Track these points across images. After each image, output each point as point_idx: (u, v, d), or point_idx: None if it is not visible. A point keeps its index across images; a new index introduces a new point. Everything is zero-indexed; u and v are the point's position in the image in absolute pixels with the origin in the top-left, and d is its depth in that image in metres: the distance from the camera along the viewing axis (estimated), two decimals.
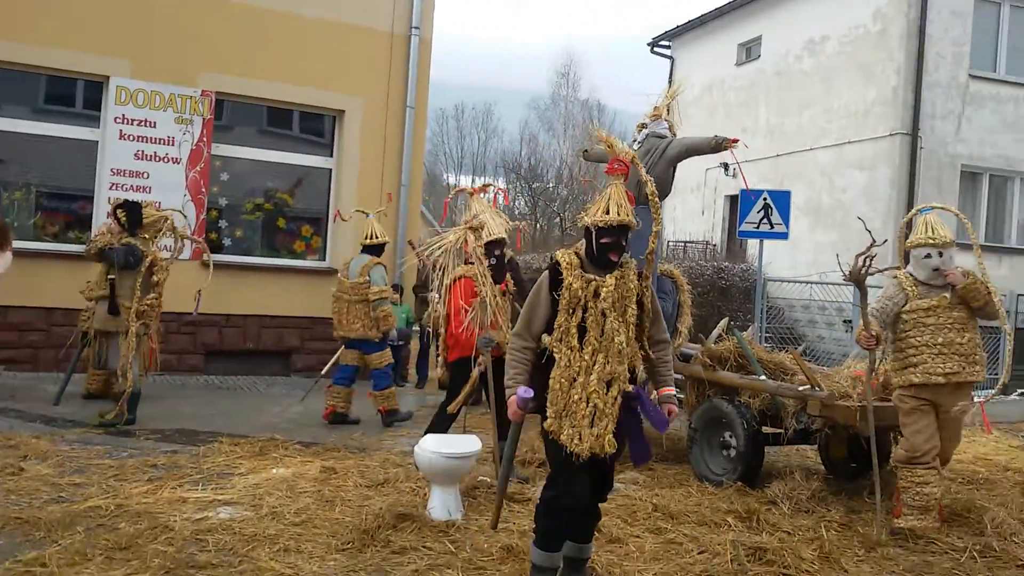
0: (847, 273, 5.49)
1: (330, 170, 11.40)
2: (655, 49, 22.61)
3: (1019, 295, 14.70)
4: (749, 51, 19.82)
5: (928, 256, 5.57)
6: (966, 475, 7.22)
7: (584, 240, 4.09)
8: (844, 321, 14.86)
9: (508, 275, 6.90)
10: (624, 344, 3.97)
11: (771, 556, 4.73)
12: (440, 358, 6.67)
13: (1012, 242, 16.49)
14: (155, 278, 7.73)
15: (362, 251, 8.45)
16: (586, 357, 3.94)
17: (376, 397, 8.30)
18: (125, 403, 7.42)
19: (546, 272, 4.10)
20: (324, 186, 11.43)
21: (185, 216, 9.75)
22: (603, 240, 3.97)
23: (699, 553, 4.84)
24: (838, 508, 5.93)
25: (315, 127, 11.52)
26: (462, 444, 5.44)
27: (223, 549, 4.53)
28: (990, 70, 16.01)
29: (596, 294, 3.95)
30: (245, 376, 10.57)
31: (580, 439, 3.90)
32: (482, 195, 6.91)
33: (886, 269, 5.76)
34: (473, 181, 50.16)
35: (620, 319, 3.97)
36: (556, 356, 3.97)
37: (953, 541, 5.27)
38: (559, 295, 3.98)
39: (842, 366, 7.23)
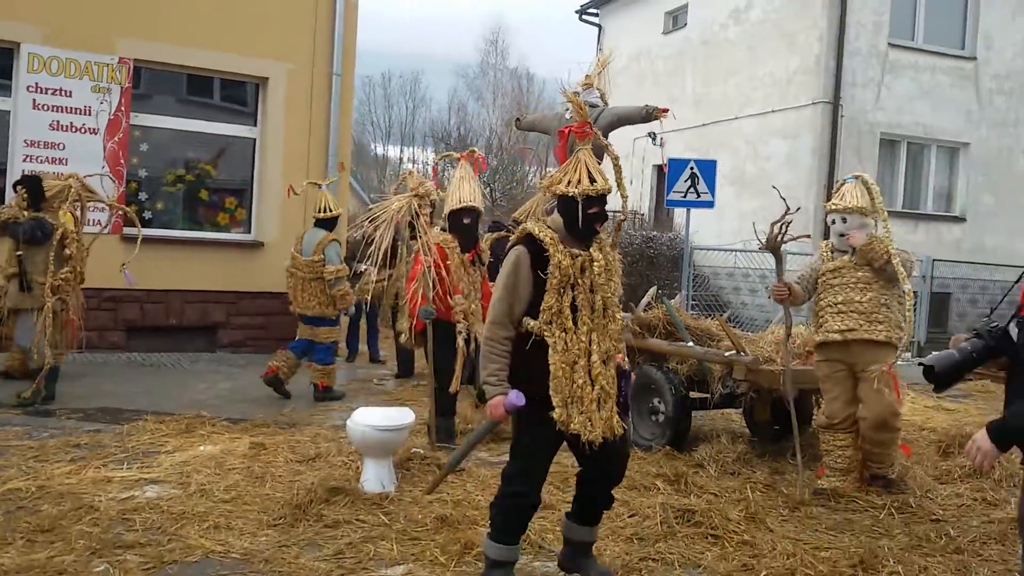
0: (763, 242, 5.61)
1: (254, 140, 11.13)
2: (583, 17, 22.61)
3: (935, 260, 15.21)
4: (676, 19, 19.94)
5: (834, 222, 5.73)
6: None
7: (558, 211, 3.88)
8: (767, 288, 15.19)
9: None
10: (620, 320, 3.88)
11: (699, 518, 4.85)
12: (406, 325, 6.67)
13: (928, 208, 17.01)
14: (67, 251, 7.44)
15: (315, 224, 8.26)
16: (583, 338, 3.75)
17: (317, 371, 8.22)
18: (43, 379, 7.21)
19: (521, 250, 3.80)
20: (248, 156, 11.16)
21: (114, 180, 9.47)
22: (591, 210, 3.75)
23: (630, 516, 4.94)
24: (763, 470, 6.10)
25: (238, 95, 11.23)
26: (395, 416, 5.42)
27: (151, 528, 4.46)
28: (908, 39, 16.39)
29: (582, 270, 3.78)
30: (169, 353, 10.34)
31: (592, 425, 3.71)
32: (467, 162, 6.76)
33: (799, 237, 5.84)
34: (402, 151, 49.73)
35: (611, 294, 3.85)
36: (549, 341, 3.71)
37: (873, 499, 5.47)
38: (545, 274, 3.72)
39: (765, 331, 7.41)
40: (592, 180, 3.78)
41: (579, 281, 3.77)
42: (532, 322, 3.74)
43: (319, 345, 8.21)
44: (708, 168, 12.00)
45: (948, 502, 5.52)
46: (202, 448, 6.06)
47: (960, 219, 16.96)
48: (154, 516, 4.61)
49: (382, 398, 8.42)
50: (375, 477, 5.24)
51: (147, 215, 10.53)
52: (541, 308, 3.73)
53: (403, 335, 6.87)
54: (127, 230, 9.55)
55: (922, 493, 5.59)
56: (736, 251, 15.01)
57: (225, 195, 11.14)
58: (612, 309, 3.87)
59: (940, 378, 3.12)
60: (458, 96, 45.60)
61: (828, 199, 5.90)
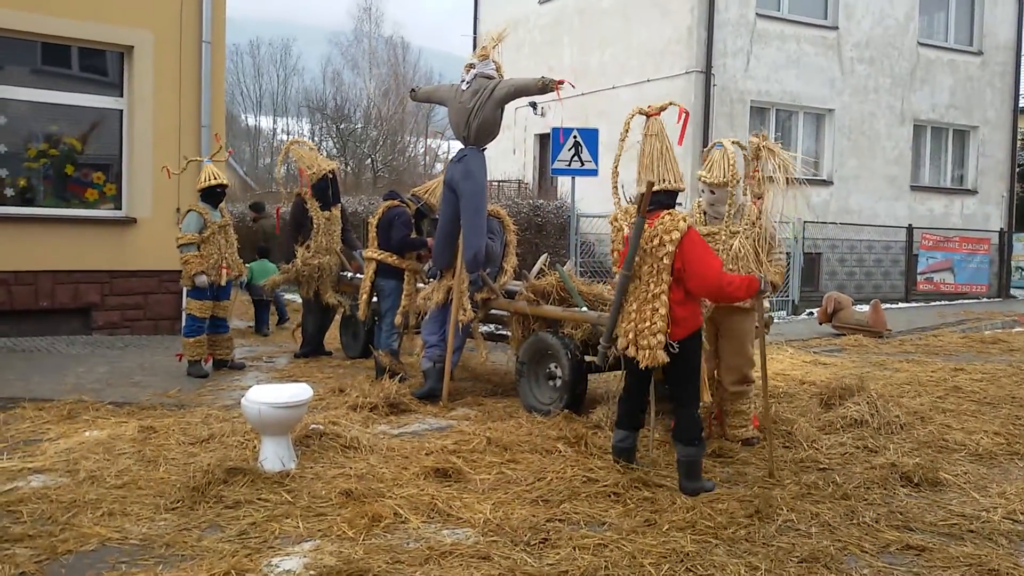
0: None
1: (121, 111, 10.57)
2: None
3: (805, 222, 15.86)
4: None
5: (703, 192, 5.90)
6: (768, 390, 7.75)
7: None
8: None
9: None
10: None
11: (600, 477, 4.96)
12: None
13: (798, 172, 17.67)
14: None
15: (200, 198, 8.23)
16: None
17: (184, 343, 8.12)
18: None
19: None
20: (116, 129, 10.59)
21: None
22: None
23: (538, 480, 4.99)
24: (657, 427, 6.25)
25: (100, 65, 10.61)
26: (292, 393, 5.29)
27: (40, 518, 4.24)
28: (774, 9, 16.96)
29: None
30: (42, 337, 9.79)
31: None
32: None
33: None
34: (275, 122, 48.37)
35: None
36: None
37: (763, 452, 5.69)
38: None
39: None
40: None
41: None
42: None
43: (187, 316, 8.16)
44: (591, 137, 12.16)
45: (832, 451, 5.80)
46: (88, 434, 5.79)
47: (828, 182, 17.74)
48: (43, 506, 4.38)
49: (272, 376, 8.22)
50: (274, 455, 5.12)
51: (8, 192, 9.91)
52: None
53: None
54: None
55: (809, 444, 5.87)
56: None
57: (93, 170, 10.56)
58: None
59: None
60: (332, 65, 44.70)
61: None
